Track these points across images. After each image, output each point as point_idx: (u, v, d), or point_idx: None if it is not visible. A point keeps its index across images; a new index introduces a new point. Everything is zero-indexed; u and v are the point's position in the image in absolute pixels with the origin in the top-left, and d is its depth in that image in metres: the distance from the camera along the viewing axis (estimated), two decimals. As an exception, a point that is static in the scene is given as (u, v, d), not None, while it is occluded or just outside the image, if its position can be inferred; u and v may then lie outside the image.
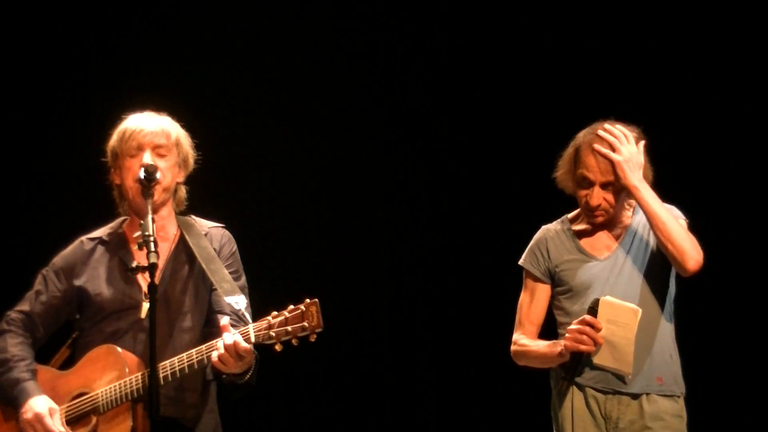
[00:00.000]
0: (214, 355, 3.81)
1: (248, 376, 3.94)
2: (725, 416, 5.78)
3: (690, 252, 4.13)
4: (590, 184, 4.18)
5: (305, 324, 3.76)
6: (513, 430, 6.08)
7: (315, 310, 3.77)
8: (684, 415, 4.22)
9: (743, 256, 5.87)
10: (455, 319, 6.28)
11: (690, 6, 5.98)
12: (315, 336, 3.78)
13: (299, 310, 3.78)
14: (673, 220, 4.15)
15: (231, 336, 3.79)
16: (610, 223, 4.28)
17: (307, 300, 3.80)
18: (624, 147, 4.14)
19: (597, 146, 4.16)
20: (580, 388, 4.18)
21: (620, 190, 4.18)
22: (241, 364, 3.86)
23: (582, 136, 4.25)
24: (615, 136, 4.16)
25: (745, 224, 5.94)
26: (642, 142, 4.23)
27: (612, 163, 4.13)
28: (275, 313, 3.81)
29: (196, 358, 3.86)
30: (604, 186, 4.17)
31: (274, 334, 3.77)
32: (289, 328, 3.76)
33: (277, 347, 3.78)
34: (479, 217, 6.25)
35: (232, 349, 3.79)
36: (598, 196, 4.18)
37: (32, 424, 3.98)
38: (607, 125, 4.20)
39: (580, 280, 4.24)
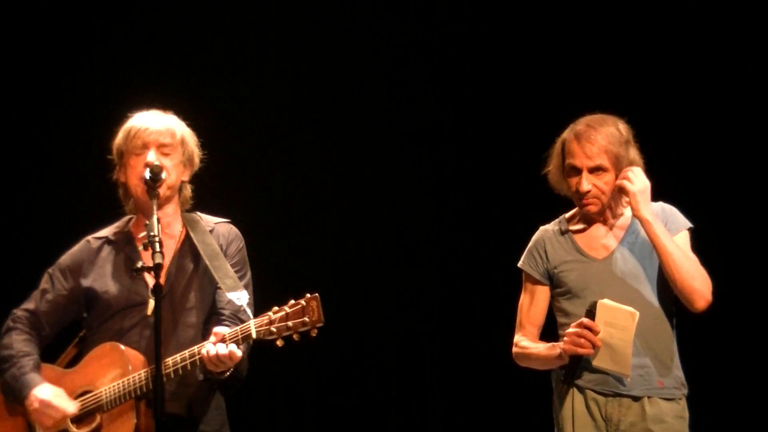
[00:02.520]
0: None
1: (226, 374, 3.93)
2: (727, 416, 5.71)
3: (699, 291, 4.10)
4: (578, 171, 4.15)
5: (306, 319, 3.75)
6: (514, 431, 6.04)
7: (316, 305, 3.76)
8: (686, 415, 4.18)
9: (744, 255, 5.80)
10: (456, 319, 6.25)
11: (690, 3, 5.94)
12: (316, 331, 3.77)
13: (300, 306, 3.77)
14: (683, 256, 4.10)
15: (213, 347, 3.81)
16: (607, 221, 4.24)
17: (308, 295, 3.78)
18: (638, 178, 4.12)
19: (621, 182, 4.13)
20: (581, 390, 4.15)
21: (611, 175, 4.13)
22: (222, 366, 3.88)
23: (567, 130, 4.23)
24: (631, 170, 4.14)
25: (745, 222, 5.87)
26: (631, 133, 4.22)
27: (599, 148, 4.11)
28: (276, 308, 3.80)
29: (198, 356, 3.86)
30: (593, 171, 4.13)
31: (275, 330, 3.76)
32: (290, 323, 3.75)
33: (279, 343, 3.77)
34: (478, 218, 6.23)
35: (215, 359, 3.81)
36: (588, 181, 4.13)
37: (41, 411, 3.99)
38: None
39: (577, 280, 4.20)
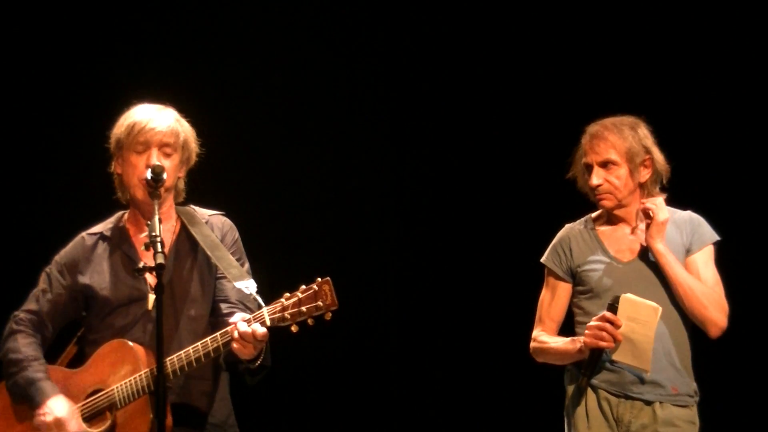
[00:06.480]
0: (234, 345, 3.79)
1: (260, 360, 3.91)
2: (737, 422, 5.73)
3: (712, 319, 4.18)
4: (591, 168, 4.25)
5: (319, 303, 3.74)
6: (524, 427, 6.04)
7: (328, 288, 3.75)
8: (697, 421, 4.23)
9: (759, 260, 5.81)
10: (466, 314, 6.25)
11: (700, 5, 5.95)
12: (330, 314, 3.75)
13: (312, 290, 3.75)
14: (695, 285, 4.16)
15: (246, 324, 3.77)
16: (633, 224, 4.29)
17: (319, 279, 3.77)
18: (661, 211, 4.20)
19: (648, 206, 4.20)
20: (594, 389, 4.21)
21: (623, 170, 4.21)
22: (259, 348, 3.84)
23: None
24: (654, 204, 4.22)
25: (758, 226, 5.86)
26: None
27: (608, 143, 4.20)
28: (288, 294, 3.78)
29: (211, 346, 3.83)
30: (602, 165, 4.23)
31: (288, 316, 3.75)
32: (303, 308, 3.74)
33: (293, 328, 3.76)
34: (496, 212, 6.21)
35: (250, 336, 3.76)
36: (598, 176, 4.22)
37: (50, 427, 3.94)
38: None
39: (601, 281, 4.24)
